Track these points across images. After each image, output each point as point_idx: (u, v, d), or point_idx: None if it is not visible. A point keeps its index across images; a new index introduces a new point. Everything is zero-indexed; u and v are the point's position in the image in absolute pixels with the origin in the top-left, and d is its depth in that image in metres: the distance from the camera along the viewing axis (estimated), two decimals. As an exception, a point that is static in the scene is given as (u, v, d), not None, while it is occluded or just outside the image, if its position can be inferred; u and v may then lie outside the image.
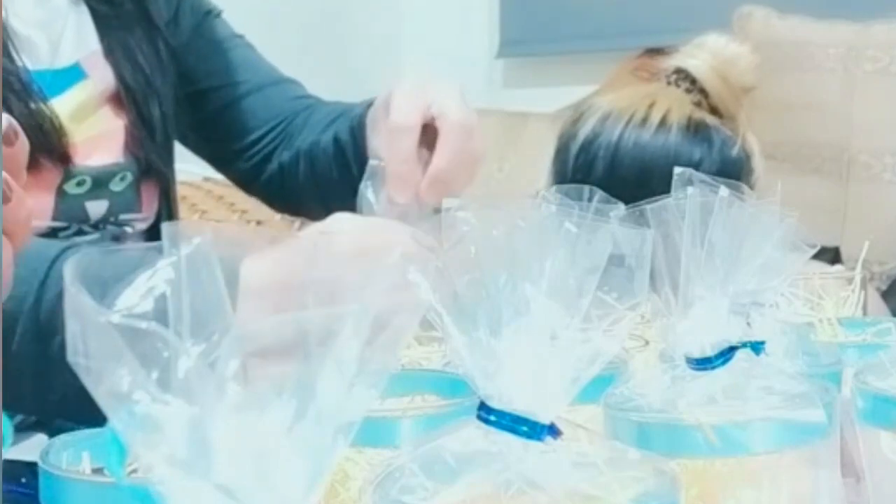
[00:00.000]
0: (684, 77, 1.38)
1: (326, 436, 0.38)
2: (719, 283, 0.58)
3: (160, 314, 0.36)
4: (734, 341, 0.59)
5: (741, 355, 0.60)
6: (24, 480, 0.85)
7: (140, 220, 1.17)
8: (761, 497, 0.57)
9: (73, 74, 1.11)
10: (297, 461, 0.37)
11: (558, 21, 2.97)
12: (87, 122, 1.11)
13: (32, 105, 1.04)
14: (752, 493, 0.57)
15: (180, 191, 1.28)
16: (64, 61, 1.10)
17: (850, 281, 0.97)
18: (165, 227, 0.38)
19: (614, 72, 2.51)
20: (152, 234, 1.18)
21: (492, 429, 0.47)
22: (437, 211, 0.98)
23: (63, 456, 0.56)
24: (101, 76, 1.13)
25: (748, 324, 0.61)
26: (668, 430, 0.56)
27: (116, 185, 1.12)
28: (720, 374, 0.59)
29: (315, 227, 0.90)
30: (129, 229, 1.16)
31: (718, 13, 2.11)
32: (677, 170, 0.59)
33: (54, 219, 1.08)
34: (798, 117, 2.30)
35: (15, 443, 0.96)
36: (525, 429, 0.47)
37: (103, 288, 0.36)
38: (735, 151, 1.34)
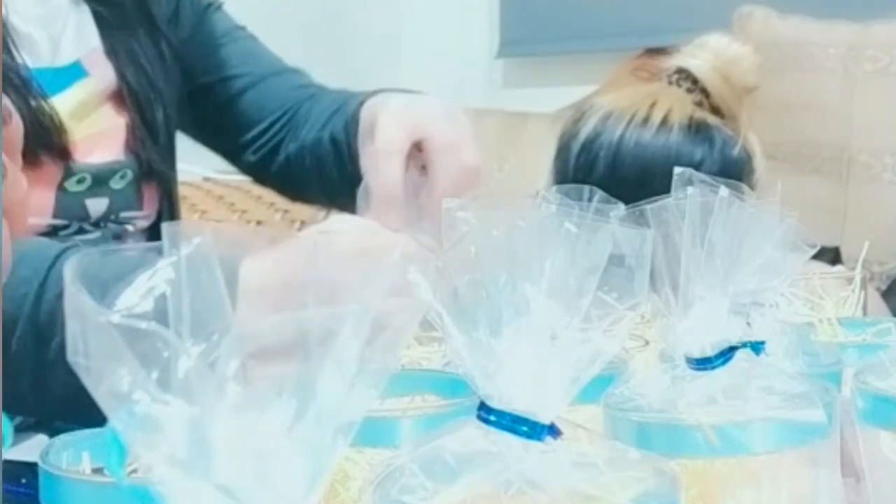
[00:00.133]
0: (686, 77, 1.38)
1: (326, 436, 0.38)
2: (719, 283, 0.58)
3: (160, 314, 0.36)
4: (734, 341, 0.59)
5: (741, 355, 0.60)
6: (24, 481, 0.85)
7: (141, 218, 1.16)
8: (761, 497, 0.57)
9: (74, 72, 1.11)
10: (297, 461, 0.37)
11: (558, 21, 2.97)
12: (88, 119, 1.11)
13: (33, 102, 1.04)
14: (752, 493, 0.57)
15: (180, 191, 1.28)
16: (64, 59, 1.10)
17: (850, 281, 0.97)
18: (165, 227, 0.38)
19: (614, 72, 2.51)
20: (153, 232, 1.18)
21: (492, 429, 0.47)
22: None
23: (63, 456, 0.56)
24: (102, 74, 1.13)
25: (748, 324, 0.61)
26: (668, 430, 0.56)
27: (117, 183, 1.12)
28: (720, 374, 0.59)
29: (315, 228, 0.90)
30: (129, 227, 1.16)
31: (718, 13, 2.11)
32: (677, 170, 0.59)
33: (54, 216, 1.08)
34: (798, 117, 2.29)
35: (15, 443, 0.96)
36: (525, 429, 0.47)
37: (103, 288, 0.36)
38: (736, 151, 1.34)
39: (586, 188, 0.53)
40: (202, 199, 2.22)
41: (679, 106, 1.36)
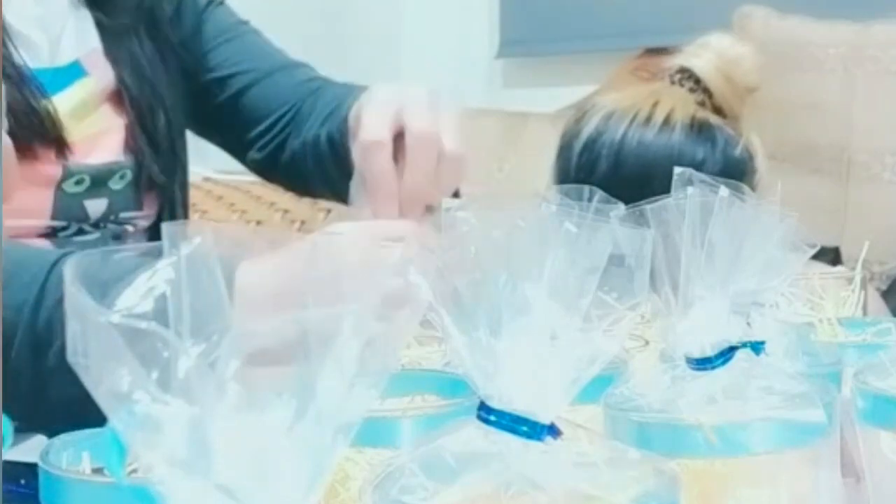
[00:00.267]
0: (688, 76, 1.39)
1: (326, 436, 0.38)
2: (719, 283, 0.58)
3: (160, 314, 0.36)
4: (734, 341, 0.59)
5: (741, 355, 0.60)
6: (23, 482, 0.85)
7: (141, 218, 1.16)
8: (761, 497, 0.57)
9: (73, 72, 1.10)
10: (297, 461, 0.37)
11: (558, 21, 2.97)
12: (88, 119, 1.10)
13: (32, 102, 1.04)
14: (752, 493, 0.57)
15: (180, 191, 1.28)
16: (64, 59, 1.10)
17: (850, 281, 0.97)
18: (165, 227, 0.38)
19: (614, 72, 2.51)
20: (154, 232, 1.18)
21: (492, 429, 0.47)
22: (430, 211, 0.98)
23: (63, 456, 0.56)
24: (102, 74, 1.12)
25: (748, 324, 0.61)
26: (668, 430, 0.56)
27: (116, 184, 1.12)
28: (720, 374, 0.59)
29: (316, 232, 0.89)
30: (129, 228, 1.15)
31: (718, 13, 2.11)
32: (677, 170, 0.59)
33: (53, 218, 1.08)
34: (798, 117, 2.29)
35: (14, 444, 0.95)
36: (525, 429, 0.47)
37: (103, 288, 0.36)
38: (738, 151, 1.34)
39: (586, 188, 0.53)
40: (202, 199, 2.22)
41: (681, 105, 1.36)
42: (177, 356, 0.35)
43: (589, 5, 2.93)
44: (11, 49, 1.04)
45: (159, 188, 1.17)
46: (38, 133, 1.04)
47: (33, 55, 1.07)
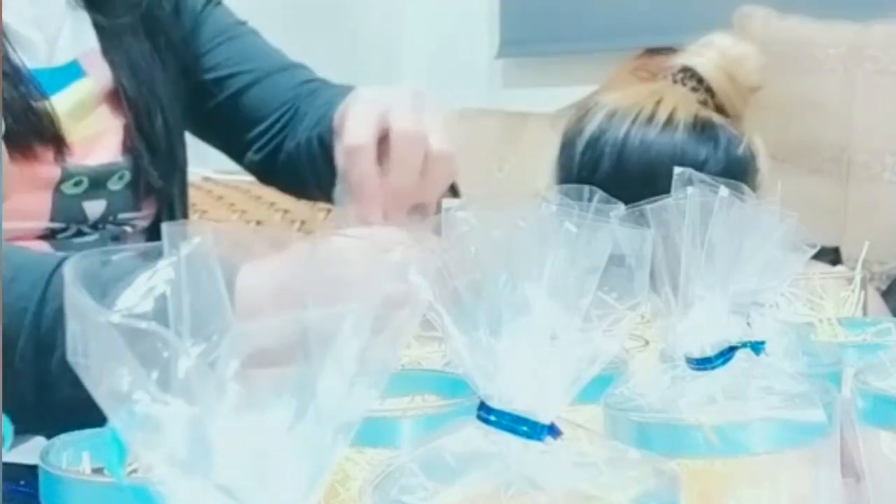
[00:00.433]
0: (691, 75, 1.39)
1: (326, 436, 0.38)
2: (719, 283, 0.58)
3: (160, 314, 0.36)
4: (734, 341, 0.59)
5: (741, 355, 0.60)
6: (22, 482, 0.85)
7: (140, 219, 1.16)
8: (761, 497, 0.57)
9: (71, 72, 1.10)
10: (297, 461, 0.37)
11: (558, 21, 2.97)
12: (86, 120, 1.10)
13: (30, 101, 1.04)
14: (752, 493, 0.57)
15: (181, 191, 1.27)
16: (61, 59, 1.09)
17: (850, 281, 0.97)
18: (165, 227, 0.38)
19: (614, 72, 2.51)
20: (153, 232, 1.18)
21: (492, 429, 0.47)
22: (418, 211, 0.98)
23: (63, 456, 0.56)
24: (100, 74, 1.12)
25: (748, 324, 0.61)
26: (668, 430, 0.56)
27: (115, 185, 1.12)
28: (720, 374, 0.59)
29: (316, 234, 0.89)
30: (128, 228, 1.15)
31: (718, 13, 2.11)
32: (677, 170, 0.59)
33: (52, 220, 1.08)
34: (798, 117, 2.29)
35: (14, 445, 0.96)
36: (525, 429, 0.47)
37: (103, 288, 0.36)
38: (741, 150, 1.34)
39: (586, 188, 0.53)
40: (202, 199, 2.22)
41: (684, 104, 1.36)
42: (177, 356, 0.35)
43: (589, 5, 2.92)
44: (9, 49, 1.03)
45: (158, 189, 1.16)
46: (36, 133, 1.03)
47: (31, 55, 1.06)
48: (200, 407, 0.35)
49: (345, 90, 1.15)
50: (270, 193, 2.24)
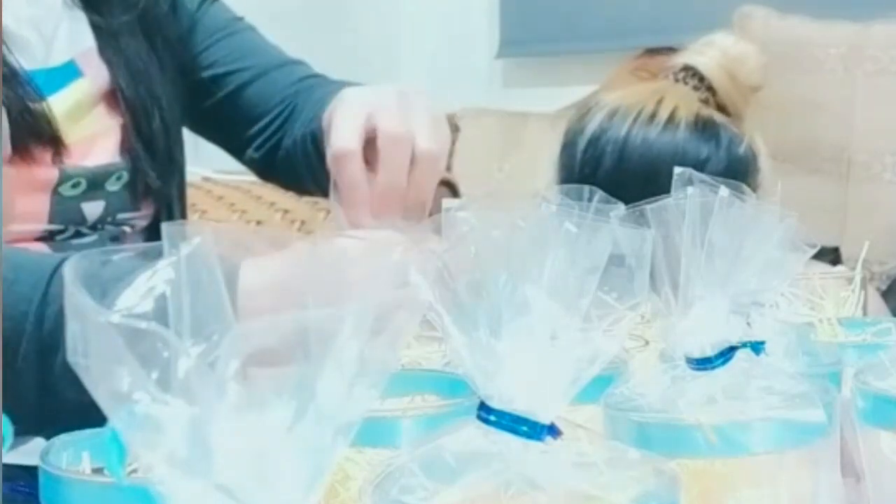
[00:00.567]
0: (692, 74, 1.39)
1: (326, 436, 0.38)
2: (719, 283, 0.58)
3: (160, 314, 0.36)
4: (734, 341, 0.59)
5: (741, 355, 0.60)
6: (21, 483, 0.85)
7: (139, 219, 1.16)
8: (761, 497, 0.57)
9: (69, 72, 1.09)
10: (297, 461, 0.37)
11: (558, 21, 2.97)
12: (83, 121, 1.09)
13: (28, 103, 1.03)
14: (752, 493, 0.57)
15: (180, 191, 1.27)
16: (58, 59, 1.09)
17: (850, 281, 0.97)
18: (165, 227, 0.38)
19: (614, 72, 2.51)
20: (152, 232, 1.18)
21: (492, 429, 0.47)
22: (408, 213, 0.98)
23: (63, 456, 0.56)
24: (97, 74, 1.11)
25: (748, 324, 0.61)
26: (668, 430, 0.56)
27: (113, 185, 1.11)
28: (720, 374, 0.59)
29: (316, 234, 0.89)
30: (127, 229, 1.15)
31: (718, 13, 2.11)
32: (677, 170, 0.59)
33: (50, 222, 1.07)
34: (798, 117, 2.30)
35: (13, 447, 0.95)
36: (525, 429, 0.47)
37: (103, 288, 0.36)
38: (742, 149, 1.35)
39: (586, 188, 0.53)
40: (202, 199, 2.22)
41: (685, 103, 1.36)
42: (177, 356, 0.35)
43: (589, 5, 2.93)
44: (5, 50, 1.03)
45: (156, 189, 1.16)
46: (34, 135, 1.03)
47: (27, 56, 1.06)
48: (200, 407, 0.35)
49: (340, 87, 1.14)
50: (270, 193, 2.24)
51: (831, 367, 0.69)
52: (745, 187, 0.60)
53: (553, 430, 0.47)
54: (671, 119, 1.34)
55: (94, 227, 1.11)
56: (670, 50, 1.48)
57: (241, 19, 1.28)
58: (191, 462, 0.35)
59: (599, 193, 0.53)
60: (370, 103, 0.98)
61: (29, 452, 0.88)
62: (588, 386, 0.48)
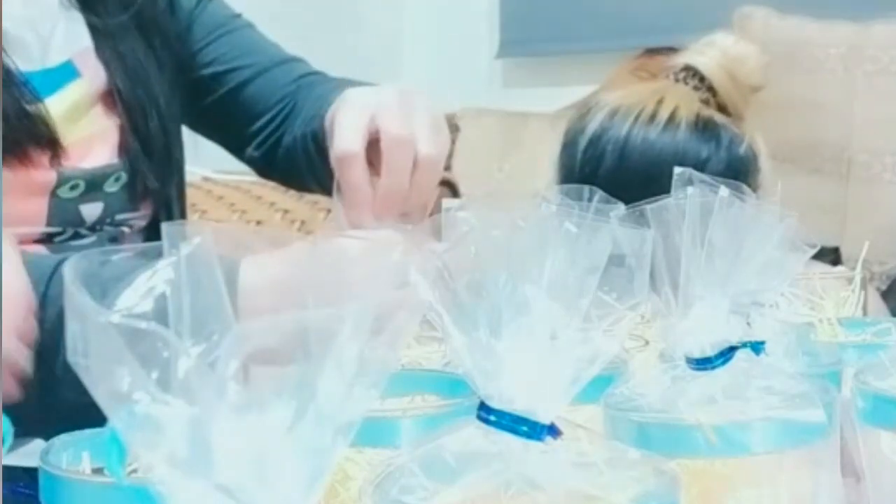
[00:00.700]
0: (693, 74, 1.39)
1: (326, 436, 0.38)
2: (719, 283, 0.58)
3: (160, 314, 0.36)
4: (734, 341, 0.59)
5: (741, 355, 0.60)
6: (21, 484, 0.85)
7: (138, 219, 1.15)
8: (761, 497, 0.57)
9: (66, 73, 1.09)
10: (297, 461, 0.37)
11: (558, 21, 2.97)
12: (81, 122, 1.09)
13: (25, 106, 1.03)
14: (752, 493, 0.57)
15: (180, 191, 1.27)
16: (55, 59, 1.08)
17: (850, 281, 0.97)
18: (165, 227, 0.38)
19: (614, 72, 2.51)
20: (150, 232, 1.17)
21: (492, 429, 0.47)
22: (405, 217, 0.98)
23: (63, 456, 0.56)
24: (94, 74, 1.11)
25: (748, 324, 0.61)
26: (668, 430, 0.56)
27: (111, 186, 1.11)
28: (720, 374, 0.59)
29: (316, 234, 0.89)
30: (126, 229, 1.14)
31: (718, 13, 2.11)
32: (677, 170, 0.59)
33: (48, 224, 1.07)
34: (798, 117, 2.30)
35: (13, 448, 0.95)
36: (525, 429, 0.47)
37: (103, 288, 0.36)
38: (743, 149, 1.35)
39: (586, 188, 0.53)
40: (202, 199, 2.22)
41: (686, 103, 1.36)
42: (177, 356, 0.35)
43: (589, 5, 2.93)
44: (4, 52, 1.02)
45: (155, 189, 1.16)
46: (31, 137, 1.02)
47: (24, 56, 1.05)
48: (200, 407, 0.35)
49: (340, 84, 1.14)
50: (270, 193, 2.24)
51: (831, 367, 0.69)
52: (745, 187, 0.60)
53: (553, 430, 0.47)
54: (671, 119, 1.34)
55: (92, 229, 1.10)
56: (670, 50, 1.49)
57: (239, 16, 1.28)
58: (191, 462, 0.35)
59: (599, 193, 0.53)
60: (373, 105, 0.98)
61: (29, 454, 0.88)
62: (588, 386, 0.48)
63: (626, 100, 1.38)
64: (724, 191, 0.58)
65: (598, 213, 0.51)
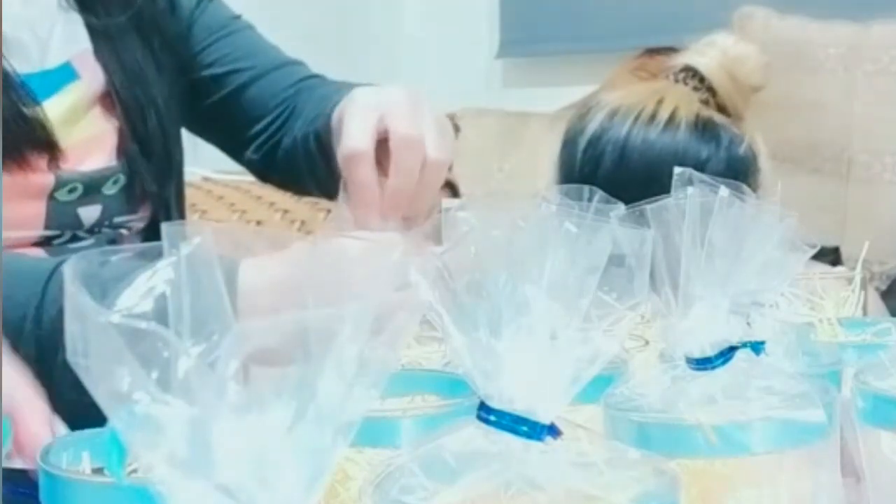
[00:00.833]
0: (692, 75, 1.39)
1: (326, 436, 0.38)
2: (719, 283, 0.58)
3: (160, 314, 0.36)
4: (734, 341, 0.59)
5: (741, 355, 0.60)
6: (22, 485, 0.85)
7: (136, 221, 1.15)
8: (761, 497, 0.57)
9: (64, 74, 1.09)
10: (297, 461, 0.37)
11: (558, 21, 2.97)
12: (79, 124, 1.08)
13: (22, 109, 1.02)
14: (752, 493, 0.57)
15: (180, 191, 1.27)
16: (54, 61, 1.08)
17: (850, 281, 0.97)
18: (165, 227, 0.38)
19: (614, 72, 2.51)
20: (149, 234, 1.17)
21: (492, 429, 0.47)
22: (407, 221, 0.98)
23: (63, 456, 0.56)
24: (92, 76, 1.10)
25: (748, 324, 0.61)
26: (668, 430, 0.56)
27: (109, 189, 1.11)
28: (720, 374, 0.59)
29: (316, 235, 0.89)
30: (124, 231, 1.14)
31: (718, 13, 2.11)
32: (677, 170, 0.59)
33: (47, 227, 1.06)
34: (798, 117, 2.29)
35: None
36: (525, 429, 0.47)
37: (103, 288, 0.36)
38: (742, 150, 1.35)
39: (586, 188, 0.53)
40: (202, 199, 2.22)
41: (686, 103, 1.36)
42: (177, 356, 0.35)
43: (589, 5, 2.93)
44: (3, 54, 1.02)
45: (153, 191, 1.15)
46: (29, 141, 1.02)
47: (22, 58, 1.05)
48: (200, 407, 0.35)
49: (341, 87, 1.14)
50: (270, 193, 2.24)
51: (831, 367, 0.69)
52: (745, 187, 0.60)
53: (553, 430, 0.47)
54: (671, 119, 1.34)
55: (90, 231, 1.10)
56: (670, 50, 1.48)
57: (239, 17, 1.27)
58: (191, 462, 0.35)
59: (599, 193, 0.53)
60: (382, 104, 0.98)
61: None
62: (588, 386, 0.48)
63: (625, 100, 1.38)
64: (724, 191, 0.58)
65: (598, 213, 0.51)
